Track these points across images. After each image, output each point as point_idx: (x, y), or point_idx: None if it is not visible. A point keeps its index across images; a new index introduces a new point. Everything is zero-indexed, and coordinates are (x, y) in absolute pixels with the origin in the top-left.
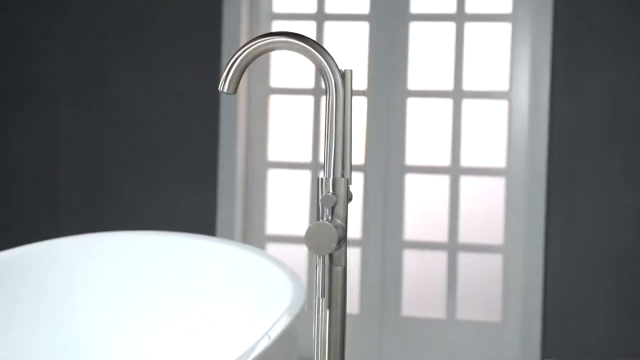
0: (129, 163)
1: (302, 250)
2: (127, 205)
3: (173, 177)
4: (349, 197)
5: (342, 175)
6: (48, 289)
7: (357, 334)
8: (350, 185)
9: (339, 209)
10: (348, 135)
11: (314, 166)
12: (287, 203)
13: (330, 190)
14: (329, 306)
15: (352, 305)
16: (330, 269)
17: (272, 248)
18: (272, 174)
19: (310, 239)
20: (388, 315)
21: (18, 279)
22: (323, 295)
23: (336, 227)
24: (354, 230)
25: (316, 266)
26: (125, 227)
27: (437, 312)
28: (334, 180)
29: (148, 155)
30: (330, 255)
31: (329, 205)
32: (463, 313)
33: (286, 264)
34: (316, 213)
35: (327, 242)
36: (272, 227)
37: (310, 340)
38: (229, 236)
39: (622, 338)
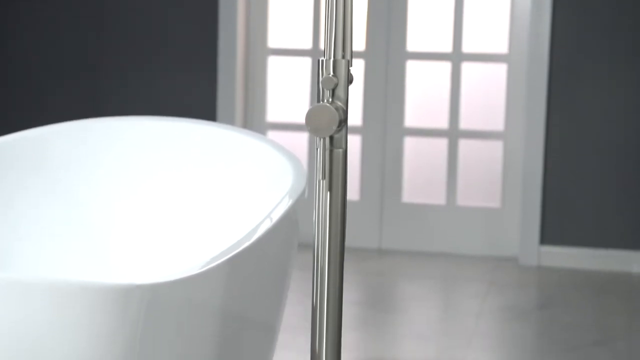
0: (127, 51)
1: (303, 138)
2: (126, 94)
3: (173, 65)
4: (349, 80)
5: (343, 57)
6: (46, 170)
7: (358, 220)
8: (350, 68)
9: (340, 91)
10: (349, 15)
11: (314, 53)
12: (288, 90)
13: (331, 72)
14: (330, 188)
15: (353, 192)
16: (331, 151)
17: (272, 135)
18: (273, 61)
19: (310, 121)
20: (388, 202)
21: (17, 161)
22: (324, 177)
23: (337, 109)
24: (355, 118)
25: (317, 148)
26: (125, 115)
27: (437, 198)
28: (334, 61)
29: (146, 42)
30: (331, 138)
31: (329, 87)
32: (463, 199)
33: (287, 149)
34: (317, 96)
35: (328, 123)
36: (273, 114)
37: (310, 228)
38: (229, 124)
39: (619, 226)
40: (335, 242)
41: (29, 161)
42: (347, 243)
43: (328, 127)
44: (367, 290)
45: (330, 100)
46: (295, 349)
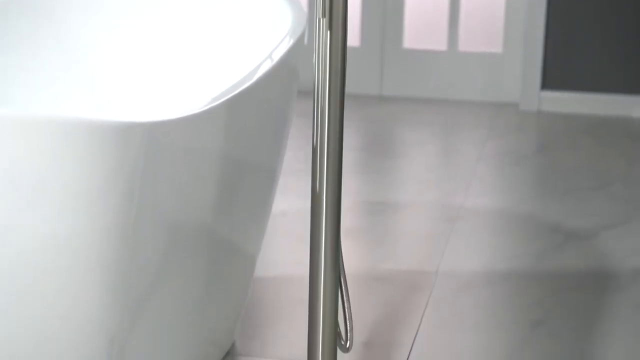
0: None
1: None
2: None
3: None
4: None
5: None
6: (47, 14)
7: (358, 66)
8: None
9: None
10: None
11: None
12: None
13: None
14: (330, 27)
15: (353, 37)
16: None
17: None
18: None
19: None
20: (389, 48)
21: (18, 6)
22: (324, 16)
23: None
24: None
25: None
26: None
27: (439, 43)
28: None
29: None
30: None
31: None
32: (464, 44)
33: None
34: None
35: None
36: None
37: (310, 77)
38: None
39: (620, 70)
40: (336, 82)
41: (31, 5)
42: (347, 90)
43: None
44: (368, 136)
45: None
46: (296, 193)
